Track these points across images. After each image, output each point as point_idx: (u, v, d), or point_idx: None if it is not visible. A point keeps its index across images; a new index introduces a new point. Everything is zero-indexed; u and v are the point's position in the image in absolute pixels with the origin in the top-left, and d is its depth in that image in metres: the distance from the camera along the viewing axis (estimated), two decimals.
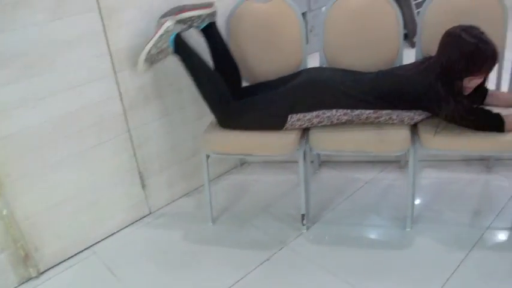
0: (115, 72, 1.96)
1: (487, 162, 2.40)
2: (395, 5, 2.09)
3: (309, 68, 2.17)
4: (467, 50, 1.72)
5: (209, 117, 2.14)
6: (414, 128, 1.94)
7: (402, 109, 1.86)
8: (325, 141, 1.94)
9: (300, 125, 1.95)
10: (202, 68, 1.99)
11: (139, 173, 2.19)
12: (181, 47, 1.99)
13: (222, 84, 2.00)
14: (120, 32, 1.92)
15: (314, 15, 3.92)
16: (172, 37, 1.96)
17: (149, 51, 1.95)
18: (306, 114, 1.91)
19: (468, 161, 2.45)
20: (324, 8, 3.35)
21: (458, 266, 1.82)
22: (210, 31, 2.09)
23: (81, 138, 1.93)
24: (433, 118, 1.87)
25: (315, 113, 1.91)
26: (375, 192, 2.34)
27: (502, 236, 1.97)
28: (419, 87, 1.81)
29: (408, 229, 2.04)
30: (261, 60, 2.23)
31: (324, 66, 2.22)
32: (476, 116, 1.79)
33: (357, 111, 1.88)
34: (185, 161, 2.37)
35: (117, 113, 2.03)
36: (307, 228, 2.10)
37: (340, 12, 2.14)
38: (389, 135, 1.86)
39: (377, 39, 2.13)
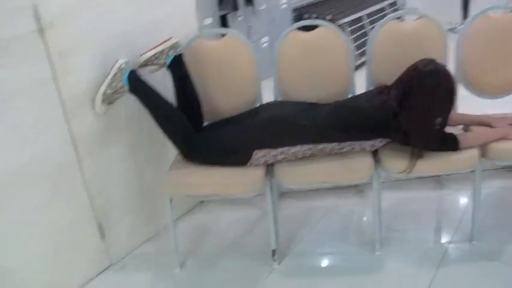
0: (67, 120, 1.84)
1: (438, 179, 2.53)
2: (345, 36, 2.17)
3: (268, 103, 2.17)
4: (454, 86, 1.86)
5: (166, 158, 2.08)
6: (375, 153, 1.99)
7: (364, 139, 1.90)
8: (293, 176, 1.93)
9: (265, 161, 1.93)
10: (161, 106, 1.95)
11: (98, 223, 2.05)
12: (137, 85, 1.94)
13: (183, 120, 1.96)
14: (72, 77, 1.82)
15: (255, 46, 3.97)
16: (126, 75, 1.90)
17: (104, 92, 1.89)
18: (271, 150, 1.90)
19: (421, 179, 2.56)
20: (264, 39, 3.41)
21: (431, 283, 1.87)
22: (176, 65, 2.04)
23: (33, 193, 1.78)
24: (393, 143, 1.94)
25: (280, 150, 1.90)
26: (338, 219, 2.36)
27: (464, 247, 2.05)
28: (383, 120, 1.86)
29: (378, 253, 2.07)
30: (217, 97, 2.20)
31: (280, 99, 2.24)
32: (437, 140, 1.87)
33: (321, 145, 1.89)
34: (144, 205, 2.27)
35: (72, 162, 1.90)
36: (279, 263, 2.07)
37: (292, 45, 2.18)
38: (354, 163, 1.90)
39: (329, 70, 2.18)
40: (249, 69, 2.19)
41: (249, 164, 1.92)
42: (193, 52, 2.16)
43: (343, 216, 2.38)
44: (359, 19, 4.18)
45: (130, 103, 2.00)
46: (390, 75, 2.06)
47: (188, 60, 2.15)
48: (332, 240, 2.20)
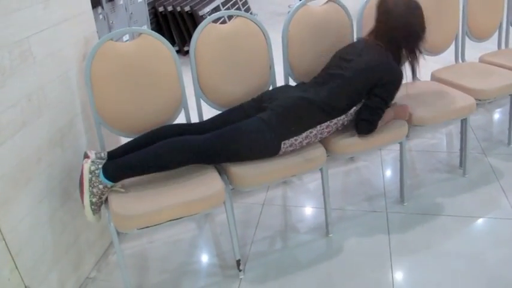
0: None
1: None
2: (261, 25, 2.10)
3: (267, 92, 2.04)
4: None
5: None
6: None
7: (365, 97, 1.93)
8: (252, 178, 1.80)
9: (292, 150, 1.87)
10: (161, 157, 1.72)
11: (26, 287, 1.61)
12: (122, 173, 1.70)
13: (186, 144, 1.75)
14: None
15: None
16: (102, 175, 1.65)
17: (90, 203, 1.65)
18: (297, 137, 1.85)
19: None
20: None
21: (391, 248, 2.00)
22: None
23: None
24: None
25: (304, 134, 1.85)
26: (277, 211, 2.32)
27: (400, 209, 2.24)
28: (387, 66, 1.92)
29: (331, 235, 2.11)
30: (138, 104, 1.92)
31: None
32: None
33: (335, 120, 1.90)
34: (72, 247, 1.87)
35: None
36: (244, 272, 1.95)
37: (209, 39, 2.02)
38: (310, 153, 1.88)
39: (250, 60, 2.11)
40: (171, 72, 1.95)
41: (278, 155, 1.86)
42: (103, 58, 1.83)
43: (279, 208, 2.35)
44: (217, 8, 4.12)
45: (29, 136, 1.60)
46: (306, 61, 2.10)
47: (99, 68, 1.82)
48: (282, 234, 2.16)
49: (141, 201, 1.68)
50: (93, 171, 1.66)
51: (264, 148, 1.81)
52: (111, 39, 1.85)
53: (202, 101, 2.10)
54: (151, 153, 1.71)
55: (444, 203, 2.26)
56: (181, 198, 1.68)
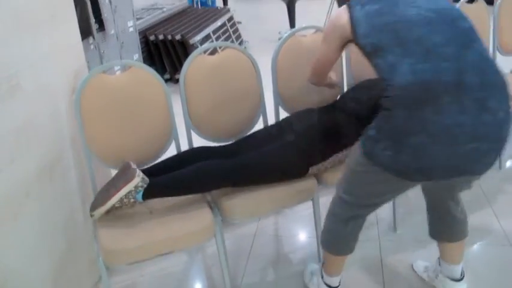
0: None
1: None
2: (251, 56, 2.11)
3: (292, 116, 2.07)
4: None
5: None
6: None
7: None
8: (242, 211, 1.80)
9: (315, 174, 1.91)
10: (192, 180, 1.78)
11: None
12: (152, 193, 1.74)
13: (211, 155, 1.87)
14: None
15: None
16: (141, 193, 1.68)
17: (113, 206, 1.68)
18: (324, 163, 1.88)
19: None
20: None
21: (384, 277, 1.99)
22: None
23: None
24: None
25: (331, 159, 1.88)
26: (268, 241, 2.30)
27: (393, 238, 2.24)
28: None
29: None
30: (128, 136, 1.91)
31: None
32: None
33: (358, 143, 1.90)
34: (59, 281, 1.83)
35: None
36: None
37: (200, 72, 2.02)
38: (300, 185, 1.86)
39: (240, 92, 2.10)
40: (163, 105, 1.95)
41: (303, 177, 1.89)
42: (93, 91, 1.82)
43: (271, 238, 2.33)
44: (208, 36, 4.16)
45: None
46: (295, 91, 2.11)
47: (89, 100, 1.82)
48: (275, 265, 2.13)
49: (131, 236, 1.66)
50: (138, 187, 1.68)
51: (291, 172, 1.85)
52: (103, 72, 1.86)
53: (193, 132, 2.09)
54: (187, 177, 1.77)
55: None
56: (170, 233, 1.67)
